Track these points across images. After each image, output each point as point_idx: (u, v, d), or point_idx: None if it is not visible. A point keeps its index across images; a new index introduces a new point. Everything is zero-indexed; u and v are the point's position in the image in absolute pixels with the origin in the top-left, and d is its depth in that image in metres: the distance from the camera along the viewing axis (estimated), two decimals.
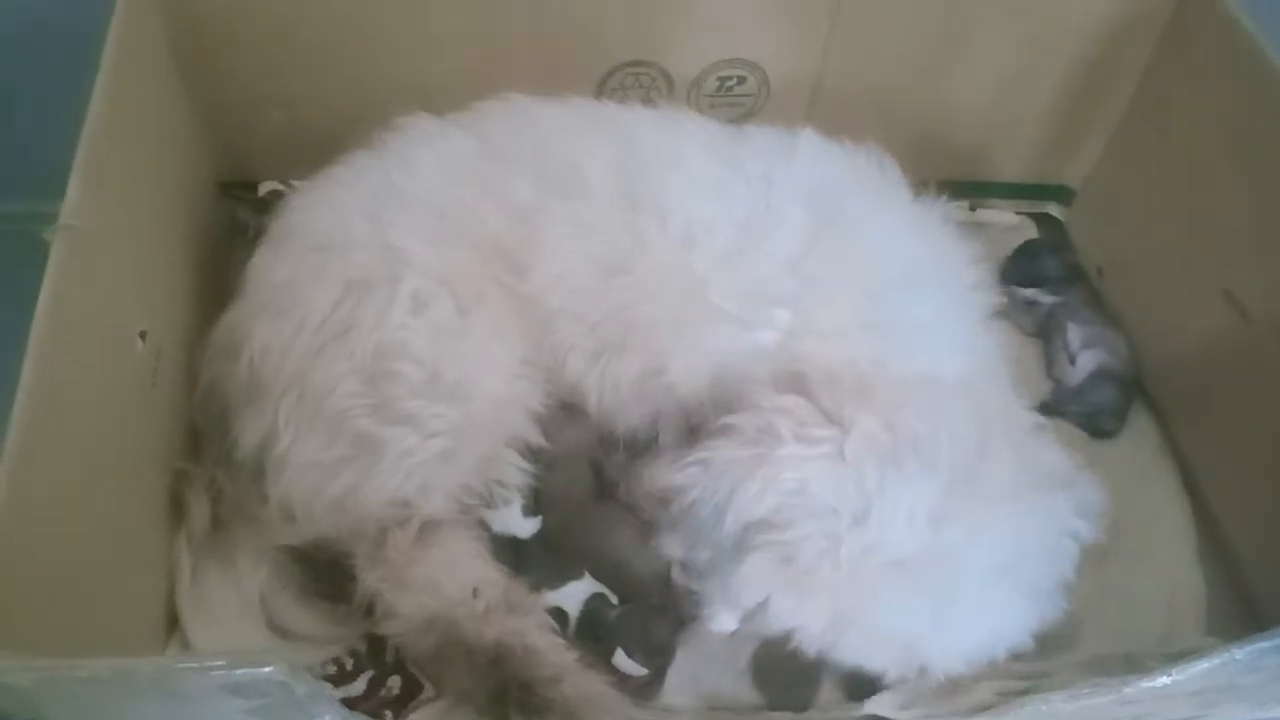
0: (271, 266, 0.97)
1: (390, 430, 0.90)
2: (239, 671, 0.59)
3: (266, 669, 0.59)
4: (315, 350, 0.91)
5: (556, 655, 0.87)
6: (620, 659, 0.90)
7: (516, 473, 0.95)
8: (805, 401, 0.86)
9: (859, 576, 0.82)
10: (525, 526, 0.97)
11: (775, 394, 0.87)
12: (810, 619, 0.84)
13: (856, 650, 0.86)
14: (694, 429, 0.96)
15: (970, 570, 0.83)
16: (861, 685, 0.90)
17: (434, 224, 0.96)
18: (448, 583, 0.89)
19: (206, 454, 0.97)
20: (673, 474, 0.89)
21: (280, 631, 0.92)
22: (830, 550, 0.82)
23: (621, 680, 0.90)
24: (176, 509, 0.94)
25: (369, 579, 0.90)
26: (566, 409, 1.00)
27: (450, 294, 0.94)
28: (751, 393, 0.89)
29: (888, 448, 0.83)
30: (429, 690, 0.91)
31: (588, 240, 0.96)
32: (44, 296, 0.74)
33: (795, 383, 0.88)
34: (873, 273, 0.94)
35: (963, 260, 0.98)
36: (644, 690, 0.90)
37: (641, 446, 1.01)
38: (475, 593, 0.89)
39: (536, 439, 0.96)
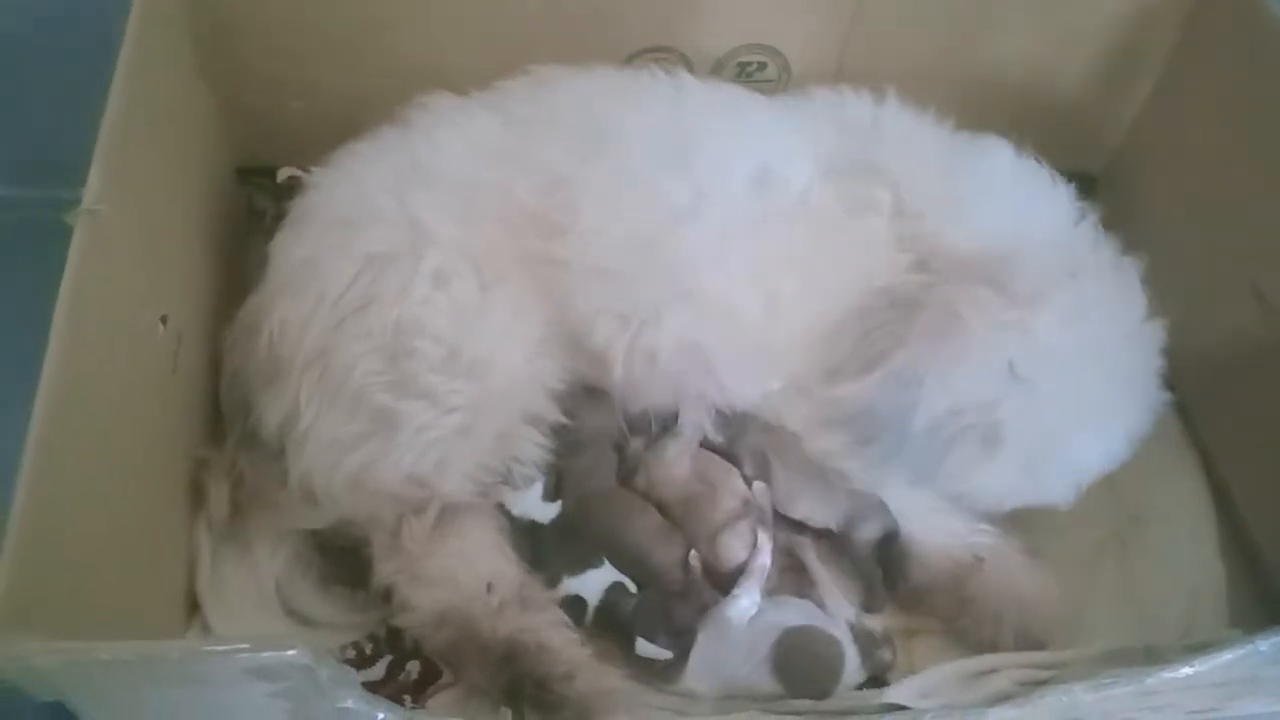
0: (292, 245, 0.97)
1: (407, 404, 0.89)
2: (263, 655, 0.59)
3: (291, 652, 0.59)
4: (334, 324, 0.91)
5: (570, 652, 0.87)
6: (642, 646, 0.90)
7: (535, 449, 0.95)
8: (992, 292, 0.90)
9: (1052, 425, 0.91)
10: (545, 511, 0.97)
11: (955, 288, 0.91)
12: (999, 476, 0.93)
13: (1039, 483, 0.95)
14: (721, 414, 0.98)
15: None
16: (878, 679, 0.91)
17: (459, 198, 0.95)
18: (463, 577, 0.89)
19: (228, 438, 0.97)
20: (847, 388, 0.92)
21: (298, 618, 0.93)
22: (1031, 419, 0.89)
23: (645, 664, 0.90)
24: (197, 495, 0.94)
25: (385, 571, 0.90)
26: (590, 392, 1.00)
27: (473, 270, 0.93)
28: (925, 291, 0.92)
29: (1069, 306, 0.90)
30: (448, 675, 0.91)
31: (634, 193, 0.95)
32: (66, 281, 0.74)
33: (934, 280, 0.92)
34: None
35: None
36: (665, 673, 0.90)
37: (661, 432, 1.01)
38: (490, 588, 0.89)
39: (555, 416, 0.96)
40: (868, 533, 0.97)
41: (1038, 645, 0.92)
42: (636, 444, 1.02)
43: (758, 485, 0.97)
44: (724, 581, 0.94)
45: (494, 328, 0.93)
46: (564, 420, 0.96)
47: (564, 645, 0.87)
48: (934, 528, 0.97)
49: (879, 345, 0.91)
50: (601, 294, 0.95)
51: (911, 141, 1.00)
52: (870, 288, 0.94)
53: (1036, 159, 1.01)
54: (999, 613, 0.93)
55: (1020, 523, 1.02)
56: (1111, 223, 1.26)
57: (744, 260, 0.95)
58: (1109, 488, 1.05)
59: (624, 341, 0.96)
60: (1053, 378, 0.91)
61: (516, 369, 0.94)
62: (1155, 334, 0.98)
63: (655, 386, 0.98)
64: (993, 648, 0.93)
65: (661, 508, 0.99)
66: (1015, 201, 0.98)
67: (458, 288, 0.92)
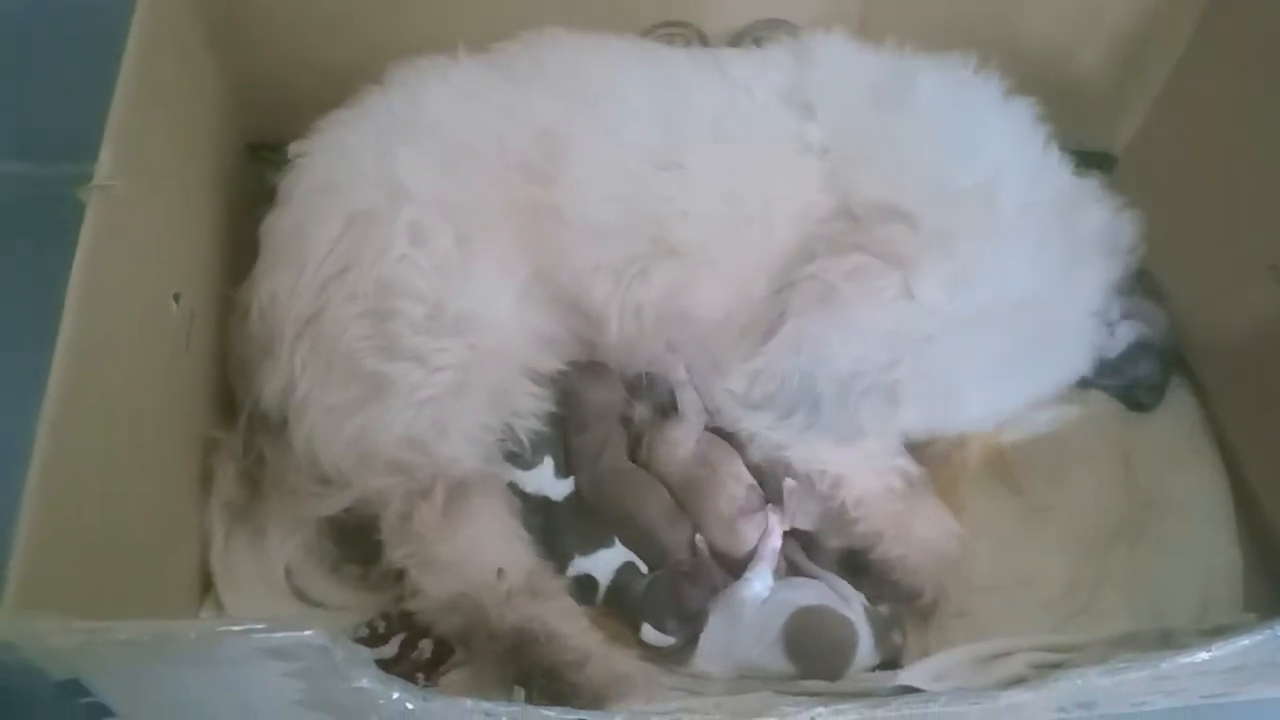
0: (278, 219, 0.97)
1: (396, 366, 0.89)
2: (279, 635, 0.60)
3: (307, 633, 0.59)
4: (319, 288, 0.91)
5: (580, 639, 0.86)
6: (647, 633, 0.90)
7: (533, 402, 0.94)
8: (863, 256, 0.91)
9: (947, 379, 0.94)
10: (558, 488, 0.97)
11: (830, 259, 0.92)
12: (913, 424, 0.97)
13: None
14: (716, 364, 0.97)
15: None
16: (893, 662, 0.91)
17: (442, 150, 0.95)
18: (473, 563, 0.89)
19: (239, 420, 0.96)
20: (756, 361, 0.93)
21: (308, 603, 0.93)
22: (926, 375, 0.92)
23: (655, 646, 0.90)
24: (209, 476, 0.94)
25: (396, 555, 0.90)
26: (590, 367, 0.99)
27: (451, 224, 0.92)
28: (816, 254, 0.93)
29: (954, 272, 0.90)
30: (460, 654, 0.91)
31: (624, 143, 0.95)
32: (79, 258, 0.73)
33: (848, 228, 0.93)
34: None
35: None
36: (677, 656, 0.90)
37: (666, 405, 1.01)
38: (500, 574, 0.89)
39: (551, 366, 0.95)
40: (832, 542, 0.97)
41: (921, 578, 0.94)
42: (642, 410, 1.02)
43: (789, 483, 0.96)
44: (733, 565, 0.94)
45: (478, 281, 0.92)
46: (560, 368, 0.96)
47: (574, 633, 0.86)
48: (862, 470, 0.96)
49: (771, 316, 0.93)
50: (595, 248, 0.95)
51: (843, 72, 0.99)
52: (799, 233, 0.95)
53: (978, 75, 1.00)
54: (898, 533, 0.94)
55: (1035, 506, 1.02)
56: (1131, 203, 1.26)
57: (713, 201, 0.95)
58: (1125, 471, 1.04)
59: (617, 298, 0.95)
60: (942, 335, 0.92)
61: (505, 322, 0.93)
62: (1086, 281, 0.99)
63: (648, 347, 0.98)
64: (887, 570, 0.94)
65: (666, 488, 0.99)
66: (941, 138, 0.96)
67: (435, 242, 0.92)
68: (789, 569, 0.96)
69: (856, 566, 0.97)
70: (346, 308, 0.90)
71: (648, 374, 1.00)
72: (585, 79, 0.97)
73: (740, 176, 0.95)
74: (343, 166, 0.95)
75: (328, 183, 0.95)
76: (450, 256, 0.92)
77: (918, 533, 0.95)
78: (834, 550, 0.97)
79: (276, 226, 0.96)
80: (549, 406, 0.95)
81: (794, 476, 0.96)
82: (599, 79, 0.97)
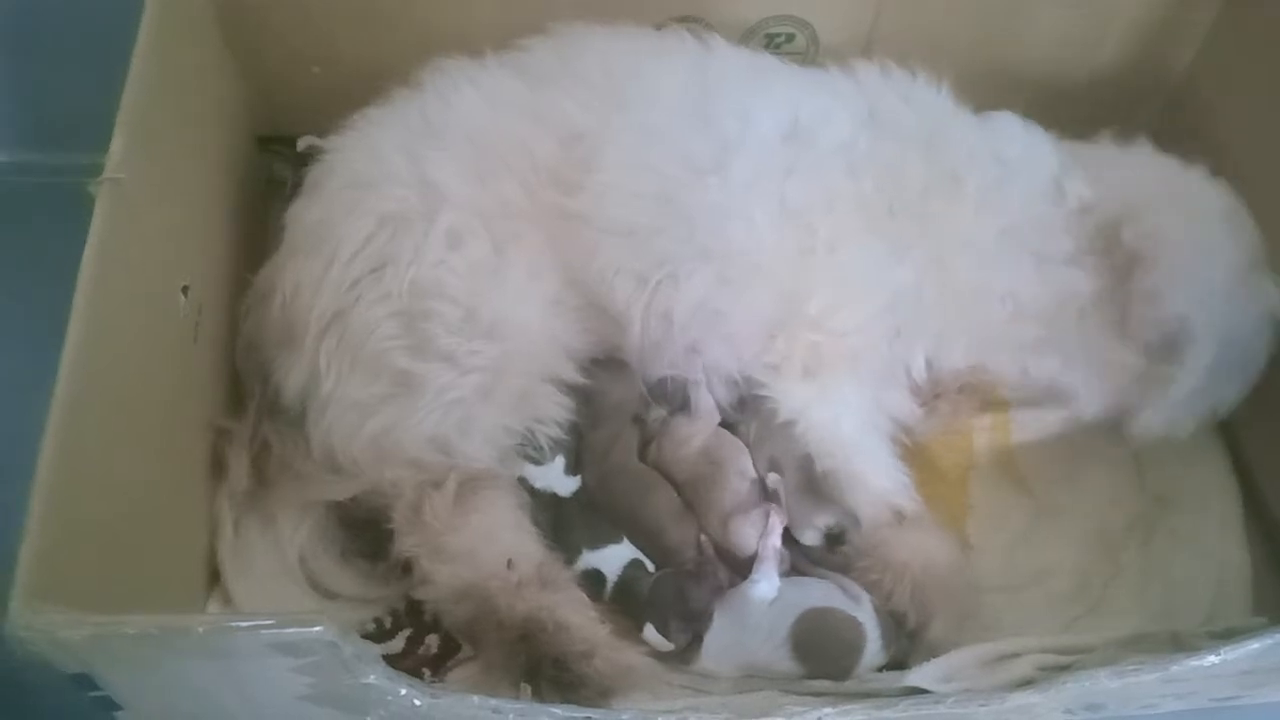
0: (305, 210, 0.97)
1: (428, 366, 0.90)
2: (288, 631, 0.60)
3: (316, 629, 0.60)
4: (348, 284, 0.91)
5: (588, 631, 0.86)
6: (650, 634, 0.89)
7: (555, 409, 0.94)
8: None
9: None
10: (566, 484, 0.97)
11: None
12: None
13: None
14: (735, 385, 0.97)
15: None
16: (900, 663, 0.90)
17: (473, 156, 0.95)
18: (483, 553, 0.89)
19: (249, 408, 0.97)
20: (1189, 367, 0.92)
21: (321, 591, 0.93)
22: None
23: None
24: (218, 466, 0.94)
25: (406, 544, 0.90)
26: (611, 363, 0.99)
27: (487, 230, 0.93)
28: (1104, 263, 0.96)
29: None
30: (467, 649, 0.91)
31: (656, 147, 0.94)
32: (89, 251, 0.74)
33: None
34: None
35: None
36: (682, 655, 0.90)
37: (679, 403, 1.01)
38: (509, 564, 0.89)
39: (574, 376, 0.96)
40: (809, 539, 0.96)
41: (929, 612, 0.91)
42: (658, 413, 1.01)
43: (773, 477, 0.96)
44: (738, 564, 0.94)
45: (510, 288, 0.93)
46: (582, 381, 0.96)
47: (582, 624, 0.86)
48: (867, 483, 0.95)
49: (1163, 328, 0.92)
50: (620, 251, 0.94)
51: (954, 120, 0.99)
52: (999, 287, 0.97)
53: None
54: (904, 563, 0.92)
55: (1045, 506, 1.02)
56: None
57: (773, 209, 0.94)
58: (1135, 472, 1.04)
59: (642, 301, 0.95)
60: None
61: (534, 329, 0.94)
62: None
63: (672, 350, 0.98)
64: (888, 599, 0.91)
65: (672, 486, 0.98)
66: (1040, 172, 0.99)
67: (472, 248, 0.92)
68: (793, 570, 0.96)
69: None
70: (379, 306, 0.91)
71: (671, 378, 1.00)
72: (615, 79, 0.96)
73: (805, 191, 0.95)
74: (374, 165, 0.95)
75: (359, 179, 0.95)
76: (486, 262, 0.92)
77: (900, 558, 0.93)
78: (814, 548, 0.96)
79: (303, 217, 0.96)
80: (570, 415, 0.96)
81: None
82: (630, 78, 0.96)
